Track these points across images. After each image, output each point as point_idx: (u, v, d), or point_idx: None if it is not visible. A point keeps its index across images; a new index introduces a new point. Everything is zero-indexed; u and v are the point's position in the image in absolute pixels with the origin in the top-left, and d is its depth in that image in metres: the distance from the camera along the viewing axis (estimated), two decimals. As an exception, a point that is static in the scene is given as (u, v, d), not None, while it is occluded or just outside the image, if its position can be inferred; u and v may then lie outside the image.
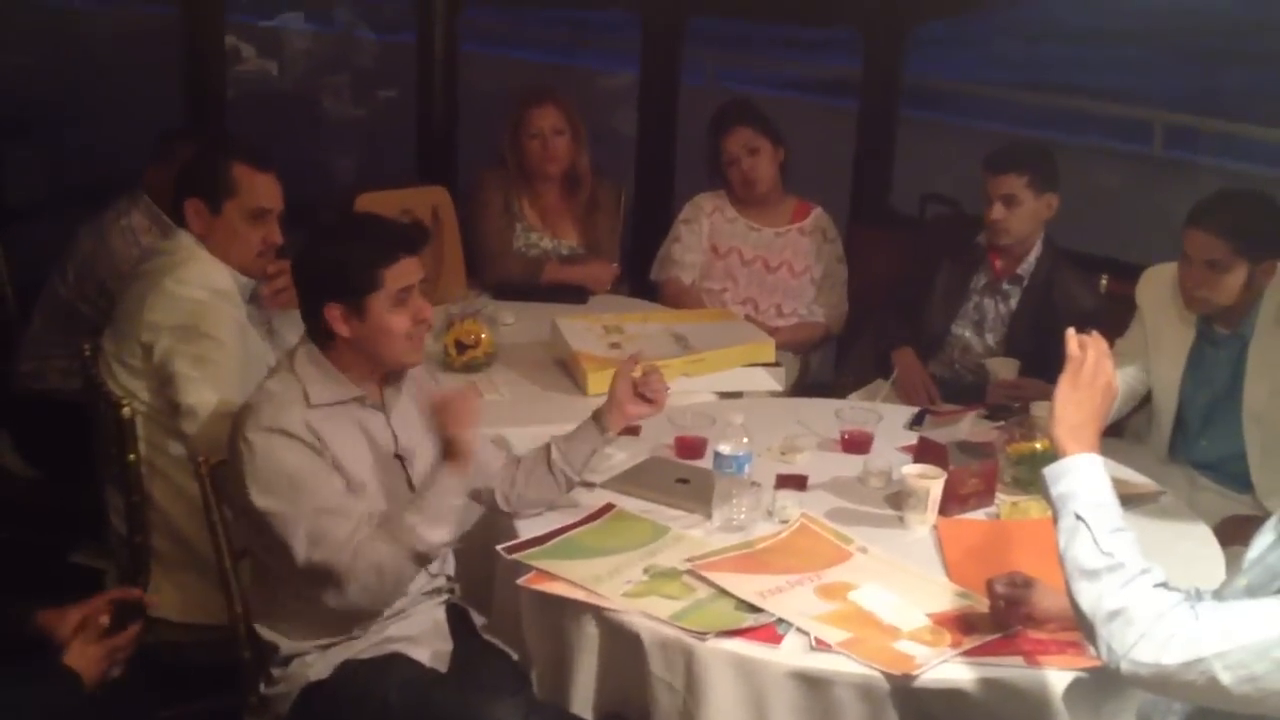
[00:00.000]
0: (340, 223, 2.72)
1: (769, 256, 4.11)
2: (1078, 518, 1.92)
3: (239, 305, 2.94)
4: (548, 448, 2.66)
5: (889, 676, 2.12)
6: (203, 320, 2.83)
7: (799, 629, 2.23)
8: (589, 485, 2.74)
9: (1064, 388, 2.02)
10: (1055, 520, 1.96)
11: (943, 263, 3.76)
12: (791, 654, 2.18)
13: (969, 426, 3.08)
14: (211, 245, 2.93)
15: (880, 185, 4.74)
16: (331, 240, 2.49)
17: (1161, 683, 1.84)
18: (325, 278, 2.44)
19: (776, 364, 3.49)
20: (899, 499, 2.68)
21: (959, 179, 4.27)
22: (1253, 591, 1.92)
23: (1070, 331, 2.05)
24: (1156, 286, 3.27)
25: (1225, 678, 1.77)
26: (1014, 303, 3.67)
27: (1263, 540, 2.04)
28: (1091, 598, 1.88)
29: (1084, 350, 2.03)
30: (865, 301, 4.10)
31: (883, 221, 4.65)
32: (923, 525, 2.62)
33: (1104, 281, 3.73)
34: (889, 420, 3.12)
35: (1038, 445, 2.72)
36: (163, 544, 2.86)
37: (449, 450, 2.39)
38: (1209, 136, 4.73)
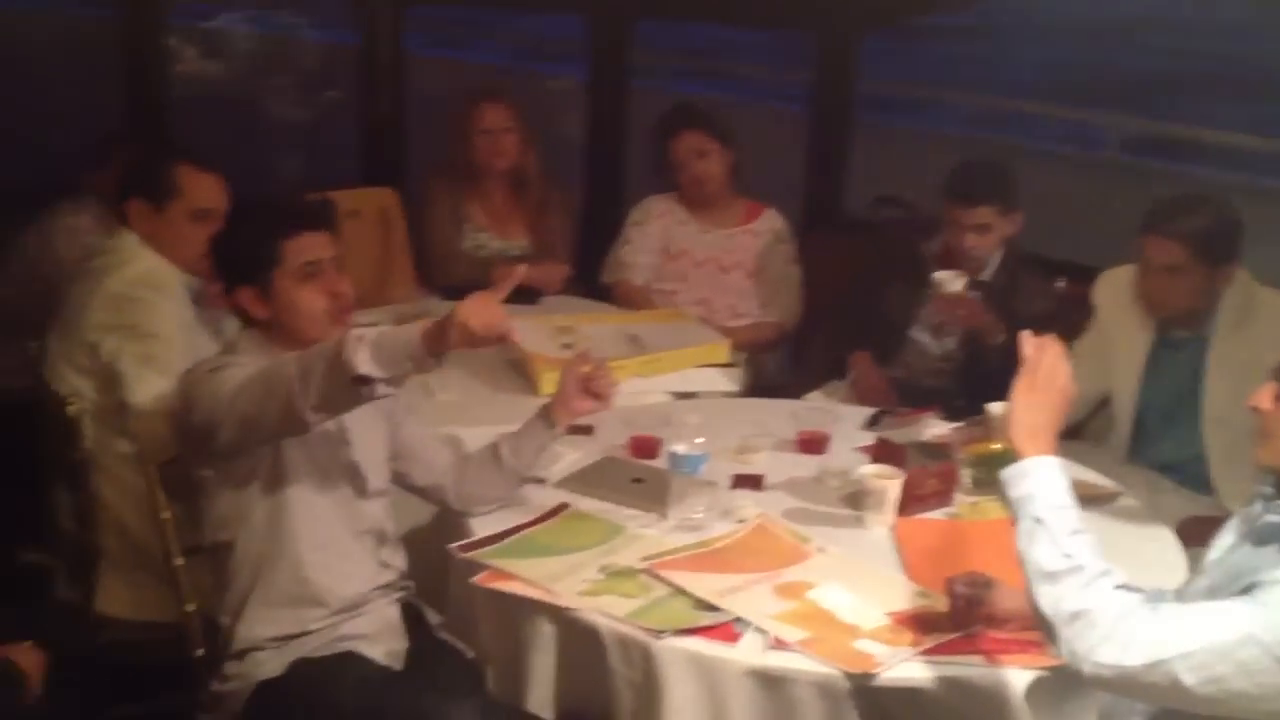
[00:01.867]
0: (242, 205, 2.70)
1: (721, 258, 4.10)
2: (1036, 520, 1.93)
3: (185, 304, 2.93)
4: (496, 445, 2.63)
5: (849, 675, 2.11)
6: (148, 318, 2.82)
7: (757, 628, 2.21)
8: (539, 481, 2.71)
9: (1020, 390, 2.02)
10: (1014, 522, 1.96)
11: (896, 269, 3.75)
12: (750, 652, 2.16)
13: (926, 428, 3.08)
14: (156, 245, 2.93)
15: (833, 188, 4.74)
16: (233, 222, 2.49)
17: (1125, 684, 1.84)
18: (230, 260, 2.43)
19: (731, 364, 3.47)
20: (857, 499, 2.67)
21: (912, 182, 4.28)
22: (1214, 593, 1.94)
23: (1026, 334, 2.05)
24: (1114, 289, 3.29)
25: (1188, 679, 1.78)
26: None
27: (1223, 541, 2.05)
28: (1052, 600, 1.88)
29: (1040, 352, 2.03)
30: (820, 303, 4.09)
31: (836, 224, 4.65)
32: (881, 525, 2.61)
33: (1061, 284, 3.74)
34: (846, 421, 3.12)
35: (996, 445, 2.72)
36: (111, 542, 2.83)
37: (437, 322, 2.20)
38: (1164, 141, 4.80)
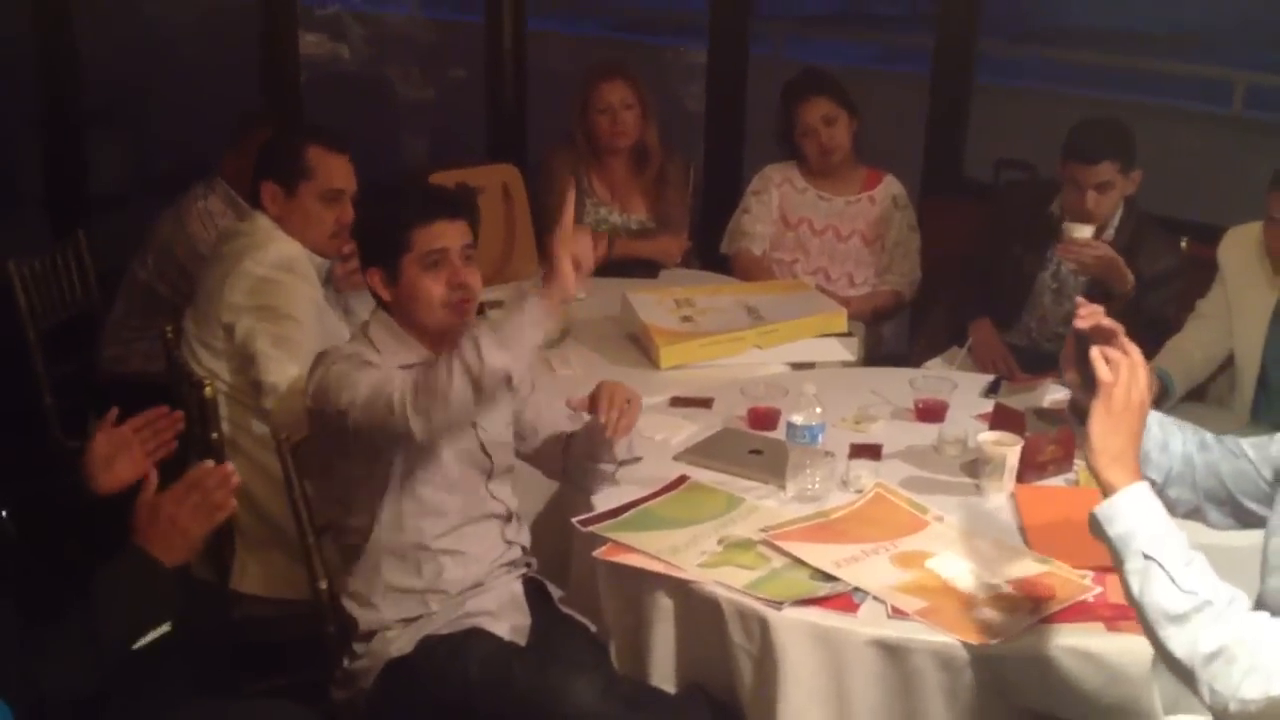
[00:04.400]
0: (379, 187, 2.74)
1: (840, 226, 4.08)
2: (1146, 557, 1.77)
3: (316, 285, 2.99)
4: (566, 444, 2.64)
5: (967, 645, 2.11)
6: (282, 299, 2.88)
7: (875, 597, 2.23)
8: (635, 461, 2.69)
9: (1099, 415, 1.86)
10: (1118, 563, 1.82)
11: (1017, 232, 3.70)
12: (869, 623, 2.18)
13: (1046, 393, 3.04)
14: (287, 227, 2.98)
15: (953, 153, 4.67)
16: (369, 204, 2.53)
17: (1277, 714, 1.72)
18: (364, 241, 2.50)
19: (849, 334, 3.47)
20: (975, 467, 2.66)
21: (1034, 143, 4.20)
22: None
23: (1095, 353, 1.88)
24: (1240, 247, 3.21)
25: None
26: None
27: (1275, 541, 1.94)
28: (1185, 643, 1.74)
29: (1115, 371, 1.87)
30: (939, 270, 4.05)
31: (956, 189, 4.59)
32: (1000, 493, 2.60)
33: (1184, 243, 3.65)
34: (964, 388, 3.10)
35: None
36: (246, 521, 2.91)
37: (548, 274, 2.28)
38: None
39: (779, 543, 2.39)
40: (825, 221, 4.09)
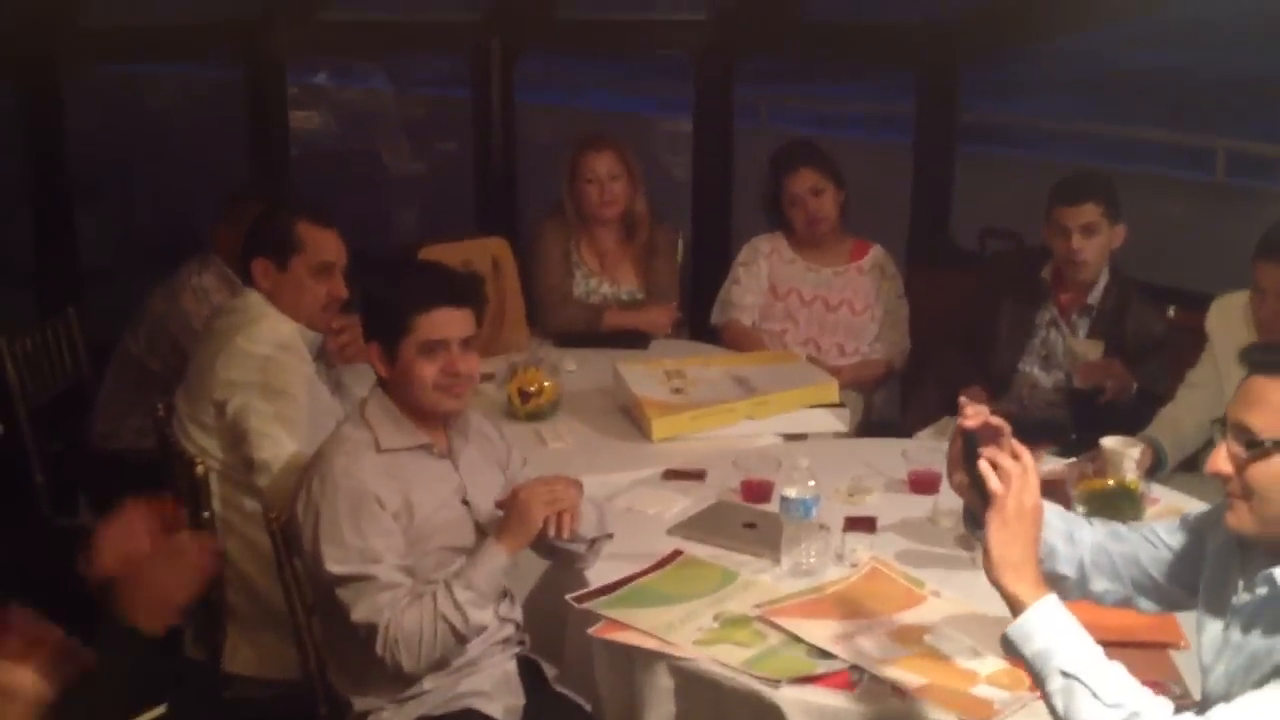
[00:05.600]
0: (394, 263, 2.74)
1: (829, 296, 4.10)
2: (1066, 675, 1.76)
3: (307, 360, 2.99)
4: None
5: (967, 722, 2.10)
6: (274, 376, 2.88)
7: (874, 675, 2.21)
8: (607, 538, 2.62)
9: (994, 526, 1.85)
10: (1039, 682, 1.81)
11: (1006, 299, 3.73)
12: (868, 700, 2.16)
13: (1039, 465, 3.03)
14: (279, 302, 2.99)
15: (938, 221, 4.73)
16: (381, 279, 2.53)
17: None
18: (368, 315, 2.51)
19: (840, 404, 3.48)
20: (970, 540, 2.65)
21: (1017, 212, 4.26)
22: (1234, 682, 1.83)
23: (984, 465, 1.88)
24: (1226, 315, 3.23)
25: None
26: (1083, 334, 3.63)
27: (1210, 636, 1.95)
28: None
29: (1006, 483, 1.87)
30: (928, 339, 4.08)
31: (942, 258, 4.63)
32: (995, 566, 2.58)
33: (1171, 311, 3.69)
34: (957, 459, 3.09)
35: (1110, 481, 2.68)
36: (238, 600, 2.90)
37: (509, 517, 2.39)
38: (1273, 161, 4.67)
39: (775, 619, 2.37)
40: (814, 292, 4.11)
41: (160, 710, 1.96)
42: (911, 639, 2.32)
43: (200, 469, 2.82)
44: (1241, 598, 1.88)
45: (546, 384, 3.46)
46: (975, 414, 1.96)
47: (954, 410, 3.59)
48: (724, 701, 2.22)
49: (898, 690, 2.17)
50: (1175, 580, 2.06)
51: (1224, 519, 1.89)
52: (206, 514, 2.83)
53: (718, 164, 5.12)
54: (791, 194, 4.06)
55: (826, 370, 3.70)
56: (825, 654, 2.27)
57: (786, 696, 2.17)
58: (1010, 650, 1.85)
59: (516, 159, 5.38)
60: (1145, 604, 2.10)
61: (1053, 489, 2.86)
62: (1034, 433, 3.43)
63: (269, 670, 2.85)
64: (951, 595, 2.48)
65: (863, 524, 2.78)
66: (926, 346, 4.08)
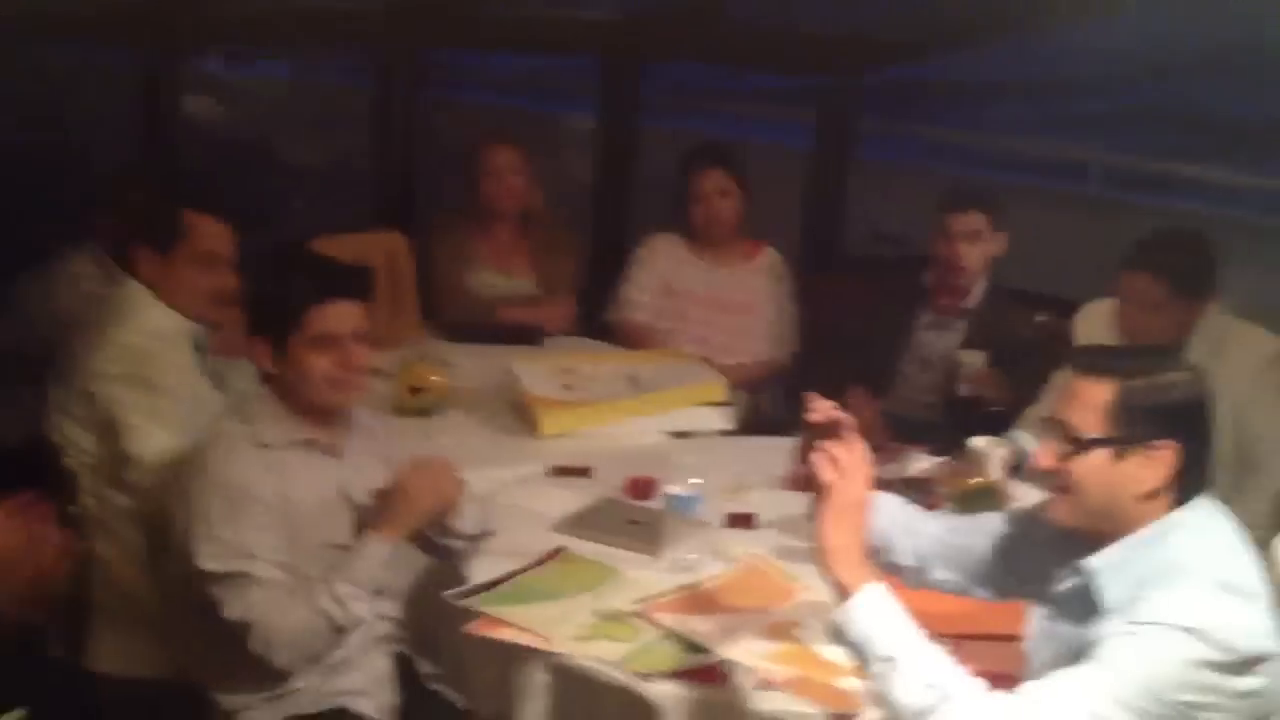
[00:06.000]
0: (281, 255, 2.71)
1: (722, 296, 4.13)
2: (886, 660, 1.83)
3: (187, 353, 2.89)
4: None
5: (832, 715, 2.13)
6: (149, 368, 2.79)
7: (745, 668, 2.24)
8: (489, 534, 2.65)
9: (823, 514, 1.94)
10: (863, 664, 1.87)
11: (887, 302, 3.82)
12: (738, 693, 2.18)
13: (911, 463, 3.11)
14: (161, 292, 2.89)
15: (831, 227, 4.79)
16: (267, 272, 2.49)
17: None
18: (255, 309, 2.46)
19: (728, 403, 3.51)
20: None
21: (905, 219, 4.35)
22: (1052, 669, 1.87)
23: (815, 456, 1.96)
24: (1093, 323, 3.33)
25: None
26: (957, 338, 3.72)
27: (1033, 626, 2.03)
28: None
29: (833, 473, 1.94)
30: (818, 340, 4.13)
31: (833, 262, 4.70)
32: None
33: (1043, 317, 3.79)
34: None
35: (978, 480, 2.75)
36: (105, 597, 2.81)
37: (389, 502, 2.38)
38: (1144, 176, 4.84)
39: (653, 615, 2.39)
40: (707, 291, 4.14)
41: (20, 714, 1.92)
42: (783, 633, 2.35)
43: (69, 462, 2.75)
44: (1058, 587, 1.96)
45: (435, 379, 3.44)
46: (819, 409, 2.01)
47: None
48: (598, 697, 2.23)
49: (767, 683, 2.20)
50: (1007, 570, 2.12)
51: (1046, 511, 1.96)
52: (73, 508, 2.75)
53: (620, 163, 5.13)
54: (697, 191, 4.09)
55: (716, 370, 3.73)
56: (699, 648, 2.29)
57: (660, 691, 2.18)
58: (836, 637, 1.91)
59: (416, 154, 5.34)
60: (980, 593, 2.17)
61: (923, 486, 2.94)
62: (915, 433, 3.55)
63: (137, 668, 2.75)
64: (824, 591, 2.51)
65: (742, 520, 2.81)
66: (816, 348, 4.13)
